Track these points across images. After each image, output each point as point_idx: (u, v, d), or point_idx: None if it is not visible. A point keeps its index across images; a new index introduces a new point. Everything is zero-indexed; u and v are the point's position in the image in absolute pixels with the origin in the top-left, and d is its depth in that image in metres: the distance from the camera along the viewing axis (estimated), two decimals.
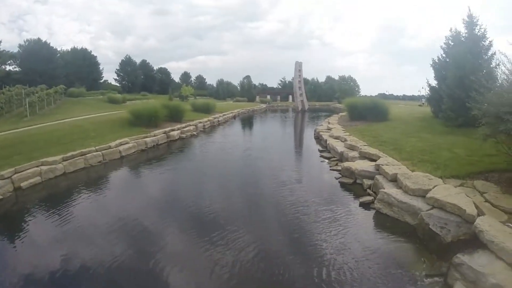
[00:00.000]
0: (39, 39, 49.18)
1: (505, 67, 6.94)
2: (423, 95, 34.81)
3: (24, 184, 8.57)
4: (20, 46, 49.21)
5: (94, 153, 11.67)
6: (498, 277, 3.88)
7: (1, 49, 45.74)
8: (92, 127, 15.64)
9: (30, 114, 19.45)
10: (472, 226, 4.98)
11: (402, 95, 63.75)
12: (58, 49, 54.65)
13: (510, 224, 4.88)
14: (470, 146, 9.85)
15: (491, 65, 12.95)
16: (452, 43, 17.27)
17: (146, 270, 5.14)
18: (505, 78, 6.94)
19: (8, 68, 47.57)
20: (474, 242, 4.79)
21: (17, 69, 47.90)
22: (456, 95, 13.82)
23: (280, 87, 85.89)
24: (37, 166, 9.32)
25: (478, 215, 5.27)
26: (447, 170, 7.79)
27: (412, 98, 51.67)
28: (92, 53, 60.01)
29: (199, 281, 4.96)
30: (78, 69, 53.06)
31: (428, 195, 6.33)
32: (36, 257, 5.50)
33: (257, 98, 67.85)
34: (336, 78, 69.36)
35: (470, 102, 7.72)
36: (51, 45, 50.65)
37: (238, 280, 4.89)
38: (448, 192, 6.26)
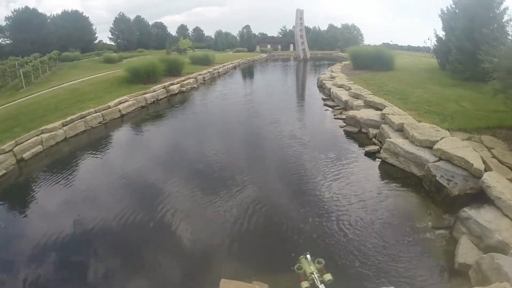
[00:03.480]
0: (26, 7, 47.38)
1: None
2: (428, 46, 33.68)
3: (26, 155, 8.47)
4: (7, 18, 47.58)
5: (94, 115, 11.51)
6: (504, 234, 3.87)
7: None
8: (90, 89, 15.42)
9: (26, 85, 19.03)
10: (479, 181, 4.93)
11: (407, 45, 61.72)
12: (48, 14, 53.01)
13: None
14: (477, 100, 9.70)
15: (503, 20, 12.56)
16: None
17: (155, 225, 5.28)
18: None
19: None
20: (480, 197, 4.75)
21: (7, 41, 46.84)
22: (465, 47, 13.32)
23: (280, 36, 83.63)
24: (37, 135, 9.18)
25: (485, 170, 5.20)
26: (454, 123, 7.64)
27: (417, 49, 50.01)
28: (83, 14, 58.00)
29: (205, 231, 5.14)
30: (71, 33, 51.22)
31: (435, 146, 6.26)
32: (47, 224, 5.54)
33: (257, 48, 66.25)
34: (339, 26, 67.17)
35: (481, 54, 7.40)
36: (40, 11, 49.16)
37: (242, 229, 5.06)
38: (455, 144, 6.17)
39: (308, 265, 3.81)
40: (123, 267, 4.49)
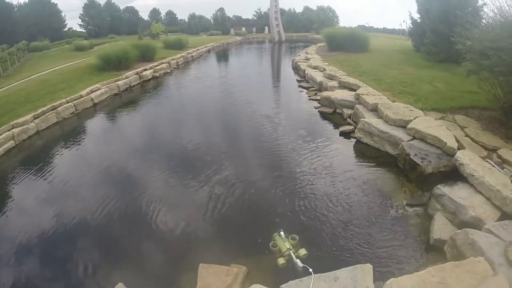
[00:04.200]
0: None
1: (493, 4, 6.64)
2: (404, 29, 34.09)
3: None
4: None
5: (66, 105, 11.07)
6: (477, 210, 3.98)
7: None
8: (61, 79, 14.84)
9: None
10: (453, 159, 5.02)
11: (382, 28, 62.11)
12: (15, 3, 50.33)
13: (489, 160, 4.93)
14: (451, 81, 9.87)
15: (477, 4, 12.73)
16: None
17: (138, 214, 5.21)
18: (492, 16, 6.68)
19: None
20: (454, 174, 4.85)
21: None
22: (440, 30, 13.49)
23: (255, 18, 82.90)
24: (8, 130, 8.74)
25: (459, 148, 5.31)
26: (428, 103, 7.77)
27: (393, 31, 50.47)
28: (51, 1, 55.03)
29: (182, 216, 5.09)
30: (39, 21, 48.65)
31: (409, 126, 6.35)
32: (29, 222, 5.34)
33: (232, 31, 65.59)
34: (314, 8, 66.91)
35: (455, 36, 7.51)
36: (6, 0, 46.25)
37: (224, 212, 5.07)
38: (429, 124, 6.28)
39: (283, 242, 3.95)
40: (103, 256, 4.43)
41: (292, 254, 3.73)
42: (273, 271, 3.77)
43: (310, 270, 3.32)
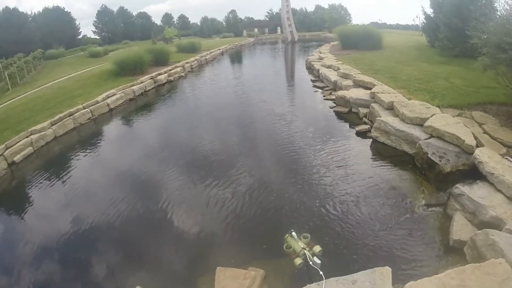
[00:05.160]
0: (6, 7, 45.17)
1: None
2: (417, 24, 33.61)
3: (17, 158, 8.29)
4: None
5: (82, 111, 11.32)
6: (498, 210, 3.87)
7: None
8: (77, 85, 15.19)
9: (12, 87, 18.45)
10: (471, 157, 4.91)
11: (395, 24, 61.29)
12: (29, 13, 51.27)
13: (509, 157, 4.81)
14: (467, 76, 9.63)
15: None
16: None
17: (155, 217, 5.30)
18: (508, 8, 6.51)
19: None
20: (473, 173, 4.75)
21: None
22: (454, 24, 13.19)
23: (267, 19, 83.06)
24: (26, 137, 9.01)
25: (477, 146, 5.19)
26: (444, 100, 7.61)
27: (406, 27, 49.74)
28: (65, 10, 56.34)
29: (199, 219, 5.15)
30: (53, 29, 49.70)
31: (426, 123, 6.23)
32: (49, 228, 5.47)
33: (244, 32, 65.86)
34: (326, 7, 66.66)
35: (470, 30, 7.34)
36: (20, 10, 47.21)
37: (241, 213, 5.11)
38: (446, 121, 6.15)
39: (296, 242, 3.91)
40: (121, 259, 4.55)
41: (307, 253, 3.70)
42: (290, 274, 3.76)
43: (321, 273, 3.30)
